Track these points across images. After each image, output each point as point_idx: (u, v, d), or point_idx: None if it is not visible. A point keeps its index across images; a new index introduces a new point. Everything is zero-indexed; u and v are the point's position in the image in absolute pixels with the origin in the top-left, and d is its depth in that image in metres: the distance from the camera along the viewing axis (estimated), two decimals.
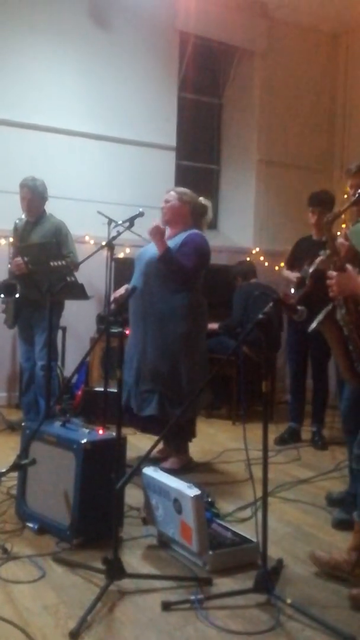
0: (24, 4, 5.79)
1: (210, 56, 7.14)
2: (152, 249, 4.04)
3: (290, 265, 5.07)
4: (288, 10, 6.72)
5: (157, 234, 3.88)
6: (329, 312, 2.75)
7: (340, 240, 2.95)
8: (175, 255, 3.90)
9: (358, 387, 2.89)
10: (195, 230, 4.08)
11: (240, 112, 7.20)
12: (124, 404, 4.06)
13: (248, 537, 2.87)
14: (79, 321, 5.74)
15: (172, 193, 4.12)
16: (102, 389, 4.41)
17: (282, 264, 5.38)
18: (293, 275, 4.91)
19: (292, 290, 4.84)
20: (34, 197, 4.72)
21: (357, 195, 2.73)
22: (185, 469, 4.05)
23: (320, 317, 2.75)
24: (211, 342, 4.90)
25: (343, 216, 2.95)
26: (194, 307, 4.02)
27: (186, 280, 3.96)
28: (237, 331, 5.50)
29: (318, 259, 4.40)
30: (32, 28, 5.82)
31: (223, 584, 2.63)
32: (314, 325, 2.77)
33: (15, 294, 4.68)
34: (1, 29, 5.71)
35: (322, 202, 4.85)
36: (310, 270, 4.58)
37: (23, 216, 4.84)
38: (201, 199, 4.21)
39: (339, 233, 3.13)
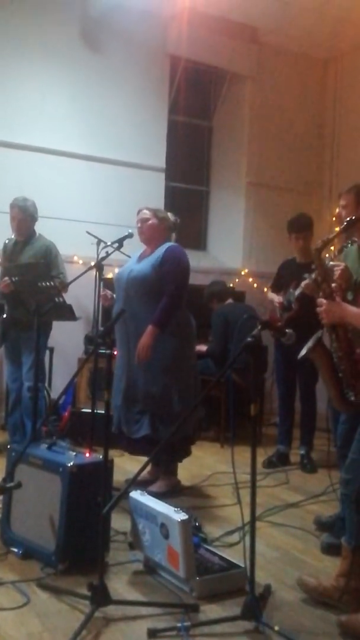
0: (16, 26, 5.84)
1: (200, 80, 7.23)
2: (129, 270, 4.04)
3: (275, 288, 5.09)
4: (278, 35, 6.82)
5: (144, 350, 3.86)
6: (319, 339, 2.75)
7: (333, 264, 2.95)
8: (159, 314, 3.86)
9: (348, 413, 2.88)
10: (172, 243, 4.10)
11: (230, 135, 7.27)
12: (116, 428, 4.03)
13: (236, 562, 2.84)
14: (66, 342, 5.71)
15: (146, 211, 4.10)
16: (89, 411, 4.38)
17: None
18: (278, 299, 4.92)
19: (278, 314, 4.86)
20: (24, 217, 4.71)
21: (346, 222, 2.77)
22: (173, 492, 4.00)
23: (310, 344, 2.75)
24: (198, 363, 4.87)
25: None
26: (181, 324, 4.01)
27: (181, 301, 3.98)
28: (221, 357, 5.44)
29: (304, 283, 4.41)
30: (24, 50, 5.88)
31: (210, 610, 2.59)
32: (303, 352, 2.76)
33: (3, 314, 4.65)
34: None
35: (302, 227, 4.91)
36: (297, 293, 4.60)
37: (13, 236, 4.82)
38: (169, 214, 4.21)
39: (327, 255, 3.13)
